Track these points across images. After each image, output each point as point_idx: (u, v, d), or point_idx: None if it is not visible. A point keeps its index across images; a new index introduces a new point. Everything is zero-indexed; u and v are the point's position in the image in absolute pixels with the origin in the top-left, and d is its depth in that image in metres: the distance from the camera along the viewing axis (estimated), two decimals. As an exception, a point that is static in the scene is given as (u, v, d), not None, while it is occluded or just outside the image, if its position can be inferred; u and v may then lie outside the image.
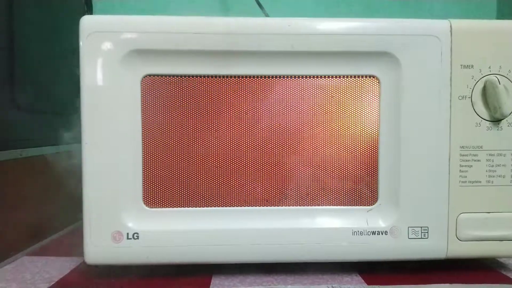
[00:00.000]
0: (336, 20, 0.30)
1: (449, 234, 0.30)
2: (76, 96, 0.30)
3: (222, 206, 0.31)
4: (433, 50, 0.30)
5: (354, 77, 0.31)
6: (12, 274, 0.32)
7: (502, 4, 0.63)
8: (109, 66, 0.29)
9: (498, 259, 0.35)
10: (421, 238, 0.30)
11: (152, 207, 0.30)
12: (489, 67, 0.31)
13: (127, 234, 0.30)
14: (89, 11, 0.59)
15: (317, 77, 0.31)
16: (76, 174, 0.30)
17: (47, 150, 0.42)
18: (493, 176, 0.31)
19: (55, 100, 0.44)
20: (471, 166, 0.30)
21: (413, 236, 0.30)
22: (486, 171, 0.31)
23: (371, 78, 0.31)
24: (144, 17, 0.30)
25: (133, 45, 0.29)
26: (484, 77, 0.30)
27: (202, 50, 0.30)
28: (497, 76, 0.30)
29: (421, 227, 0.30)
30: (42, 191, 0.41)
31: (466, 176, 0.30)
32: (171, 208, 0.31)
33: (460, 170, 0.30)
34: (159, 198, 0.30)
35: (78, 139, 0.30)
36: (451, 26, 0.30)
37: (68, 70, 0.38)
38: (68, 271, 0.33)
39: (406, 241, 0.30)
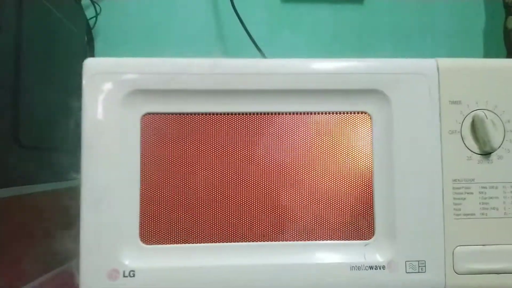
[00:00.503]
0: (329, 60, 0.32)
1: (447, 267, 0.30)
2: (77, 133, 0.31)
3: (219, 242, 0.31)
4: (422, 87, 0.32)
5: (347, 113, 0.32)
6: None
7: (488, 44, 0.66)
8: (110, 105, 0.30)
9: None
10: (419, 272, 0.30)
11: (149, 244, 0.30)
12: (476, 103, 0.32)
13: (123, 272, 0.29)
14: (91, 52, 0.61)
15: (311, 113, 0.32)
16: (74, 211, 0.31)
17: (49, 187, 0.42)
18: (487, 209, 0.31)
19: (58, 137, 0.45)
20: (465, 198, 0.31)
21: (411, 270, 0.30)
22: (480, 203, 0.31)
23: (363, 114, 0.32)
24: (144, 59, 0.31)
25: (133, 85, 0.30)
26: (472, 112, 0.32)
27: (200, 89, 0.31)
28: (484, 111, 0.31)
29: (418, 261, 0.30)
30: (45, 228, 0.41)
31: (460, 209, 0.31)
32: (167, 245, 0.30)
33: (454, 203, 0.31)
34: (156, 235, 0.30)
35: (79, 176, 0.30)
36: (437, 64, 0.32)
37: (70, 109, 0.40)
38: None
39: (404, 276, 0.30)
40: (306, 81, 0.31)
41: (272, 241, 0.31)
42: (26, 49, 0.39)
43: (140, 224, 0.30)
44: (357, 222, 0.31)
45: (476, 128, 0.31)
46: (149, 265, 0.30)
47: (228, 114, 0.31)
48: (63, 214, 0.40)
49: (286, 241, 0.31)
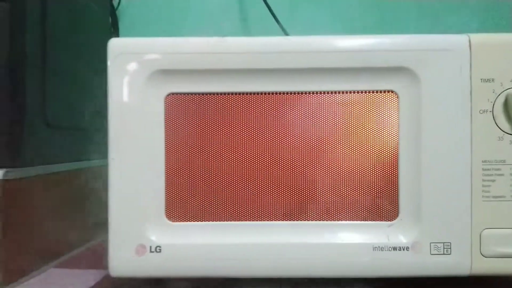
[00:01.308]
0: (353, 37, 0.31)
1: (473, 250, 0.30)
2: (102, 113, 0.31)
3: (244, 221, 0.31)
4: (452, 64, 0.30)
5: (373, 92, 0.31)
6: (38, 286, 0.33)
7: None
8: (135, 85, 0.31)
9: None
10: (444, 254, 0.30)
11: (175, 221, 0.31)
12: (511, 81, 0.30)
13: (150, 247, 0.30)
14: (116, 32, 0.62)
15: (336, 92, 0.31)
16: (102, 189, 0.32)
17: (75, 166, 0.44)
18: (518, 191, 0.30)
19: (84, 117, 0.46)
20: (494, 180, 0.30)
21: (436, 252, 0.30)
22: (511, 185, 0.30)
23: (390, 93, 0.31)
24: (167, 39, 0.31)
25: (157, 65, 0.31)
26: (506, 91, 0.30)
27: (223, 69, 0.31)
28: (519, 89, 0.30)
29: (443, 243, 0.30)
30: (68, 206, 0.42)
31: (489, 191, 0.30)
32: (192, 222, 0.31)
33: (482, 185, 0.30)
34: (181, 213, 0.31)
35: (104, 155, 0.31)
36: (470, 40, 0.31)
37: (96, 89, 0.40)
38: (93, 283, 0.33)
39: (428, 257, 0.30)
40: (330, 60, 0.31)
41: (295, 220, 0.31)
42: (51, 31, 0.39)
43: (166, 202, 0.31)
44: (381, 203, 0.31)
45: (509, 108, 0.30)
46: (175, 242, 0.31)
47: (252, 93, 0.31)
48: (90, 192, 0.41)
49: (310, 220, 0.31)
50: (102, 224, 0.31)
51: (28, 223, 0.36)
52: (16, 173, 0.34)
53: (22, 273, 0.35)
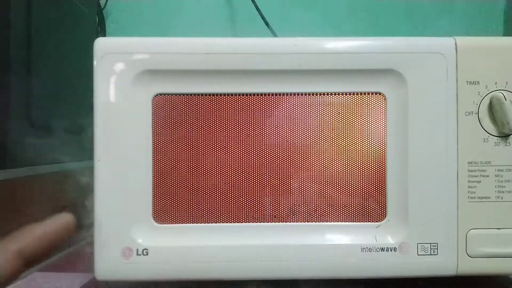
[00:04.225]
0: (342, 39, 0.31)
1: (459, 250, 0.30)
2: (88, 114, 0.31)
3: (231, 222, 0.31)
4: (439, 67, 0.31)
5: (361, 94, 0.31)
6: (23, 290, 0.33)
7: (509, 20, 0.64)
8: (122, 86, 0.30)
9: (511, 277, 0.35)
10: (431, 254, 0.30)
11: (162, 224, 0.31)
12: (495, 83, 0.31)
13: (137, 250, 0.30)
14: (102, 32, 0.61)
15: (324, 94, 0.31)
16: (87, 191, 0.31)
17: (60, 167, 0.43)
18: (503, 192, 0.30)
19: (69, 118, 0.45)
20: (480, 181, 0.30)
21: (423, 252, 0.30)
22: (495, 186, 0.30)
23: (377, 95, 0.31)
24: (155, 38, 0.31)
25: (144, 65, 0.30)
26: (490, 93, 0.31)
27: (211, 69, 0.31)
28: (503, 92, 0.30)
29: (430, 243, 0.30)
30: (55, 208, 0.42)
31: (474, 192, 0.30)
32: (180, 225, 0.31)
33: (468, 186, 0.30)
34: (169, 215, 0.31)
35: (90, 156, 0.30)
36: (456, 43, 0.31)
37: (81, 89, 0.40)
38: (78, 287, 0.33)
39: (416, 258, 0.30)
40: (318, 61, 0.31)
41: (283, 222, 0.31)
42: (37, 30, 0.39)
43: (153, 204, 0.31)
44: (369, 204, 0.31)
45: (494, 110, 0.30)
46: (162, 244, 0.30)
47: (240, 95, 0.31)
48: (74, 194, 0.41)
49: (298, 222, 0.31)
50: (88, 226, 0.31)
51: (13, 225, 0.35)
52: (0, 175, 0.33)
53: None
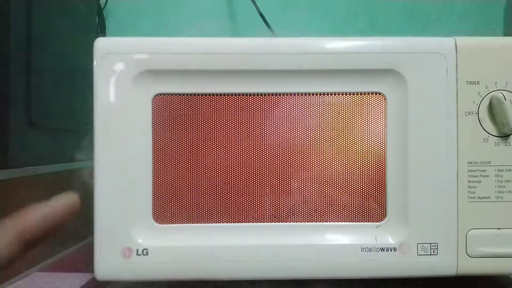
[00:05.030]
0: (342, 39, 0.31)
1: (459, 250, 0.30)
2: (89, 114, 0.31)
3: (231, 222, 0.31)
4: (439, 67, 0.31)
5: (361, 94, 0.31)
6: (23, 290, 0.33)
7: (509, 20, 0.64)
8: (122, 86, 0.30)
9: (511, 276, 0.35)
10: (431, 254, 0.30)
11: (162, 224, 0.31)
12: (495, 83, 0.31)
13: (137, 250, 0.30)
14: (103, 32, 0.61)
15: (324, 94, 0.31)
16: (87, 192, 0.31)
17: (60, 167, 0.43)
18: (503, 192, 0.30)
19: (69, 118, 0.45)
20: (480, 181, 0.30)
21: (422, 252, 0.30)
22: (495, 186, 0.30)
23: (377, 95, 0.31)
24: (155, 38, 0.31)
25: (144, 65, 0.30)
26: (490, 93, 0.31)
27: (211, 69, 0.31)
28: (503, 92, 0.30)
29: (430, 243, 0.30)
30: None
31: (474, 192, 0.30)
32: (180, 224, 0.31)
33: (468, 186, 0.30)
34: (169, 215, 0.31)
35: (90, 157, 0.30)
36: (456, 43, 0.31)
37: (81, 89, 0.40)
38: (78, 287, 0.33)
39: (415, 258, 0.30)
40: (318, 61, 0.31)
41: (283, 222, 0.31)
42: (37, 30, 0.39)
43: (153, 204, 0.31)
44: (369, 204, 0.31)
45: (494, 110, 0.30)
46: (162, 244, 0.30)
47: (240, 94, 0.31)
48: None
49: (298, 222, 0.31)
50: (88, 225, 0.31)
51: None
52: (0, 175, 0.33)
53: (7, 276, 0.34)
